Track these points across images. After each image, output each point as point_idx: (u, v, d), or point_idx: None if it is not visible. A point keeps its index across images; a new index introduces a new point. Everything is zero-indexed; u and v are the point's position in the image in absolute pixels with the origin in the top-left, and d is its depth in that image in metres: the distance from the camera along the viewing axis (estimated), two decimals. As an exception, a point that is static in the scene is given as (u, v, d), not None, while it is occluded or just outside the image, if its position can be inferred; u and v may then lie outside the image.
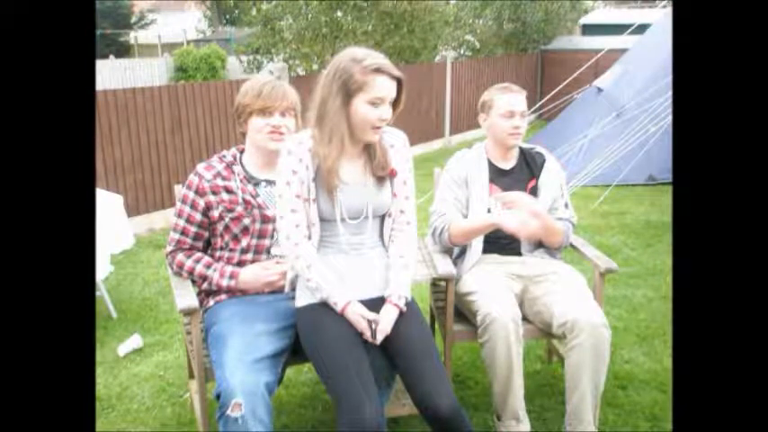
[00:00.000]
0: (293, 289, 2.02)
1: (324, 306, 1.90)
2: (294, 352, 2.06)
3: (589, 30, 12.44)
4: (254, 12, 8.96)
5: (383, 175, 1.94)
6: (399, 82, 1.86)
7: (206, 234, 2.23)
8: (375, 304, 1.92)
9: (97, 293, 3.53)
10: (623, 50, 8.01)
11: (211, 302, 2.18)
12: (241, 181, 2.18)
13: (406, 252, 1.99)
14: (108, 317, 3.58)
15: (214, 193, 2.17)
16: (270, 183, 2.19)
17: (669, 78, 5.84)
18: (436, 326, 2.67)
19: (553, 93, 8.45)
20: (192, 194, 2.18)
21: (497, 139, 2.51)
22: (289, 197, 1.89)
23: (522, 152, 2.59)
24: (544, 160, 2.56)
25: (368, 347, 1.88)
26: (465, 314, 2.42)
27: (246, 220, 2.15)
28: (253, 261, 2.18)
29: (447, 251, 2.51)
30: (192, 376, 2.45)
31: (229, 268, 2.16)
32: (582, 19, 12.97)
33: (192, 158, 5.56)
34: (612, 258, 2.49)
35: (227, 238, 2.19)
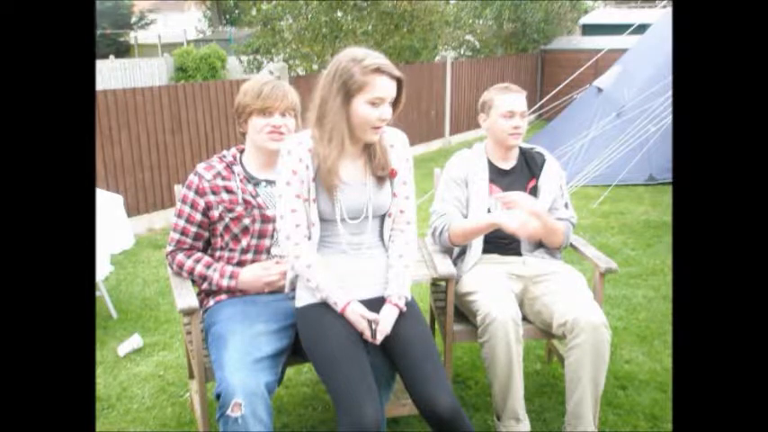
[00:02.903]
0: (293, 289, 2.02)
1: (324, 306, 1.90)
2: (294, 352, 2.07)
3: (589, 30, 12.43)
4: (254, 12, 8.96)
5: (383, 175, 1.93)
6: (399, 82, 1.86)
7: (206, 234, 2.23)
8: (375, 304, 1.91)
9: (97, 293, 3.53)
10: (623, 50, 8.01)
11: (211, 302, 2.18)
12: (241, 181, 2.18)
13: (405, 252, 1.99)
14: (108, 317, 3.59)
15: (214, 193, 2.17)
16: (270, 183, 2.19)
17: (669, 78, 5.84)
18: (436, 326, 2.67)
19: (553, 93, 8.47)
20: (191, 194, 2.18)
21: (497, 139, 2.51)
22: (289, 197, 1.89)
23: (522, 152, 2.59)
24: (544, 160, 2.56)
25: (368, 347, 1.88)
26: (465, 314, 2.42)
27: (246, 220, 2.15)
28: (253, 261, 2.18)
29: (447, 251, 2.51)
30: (191, 376, 2.45)
31: (229, 268, 2.16)
32: (582, 19, 12.97)
33: (192, 158, 5.57)
34: (612, 258, 2.49)
35: (227, 238, 2.19)
